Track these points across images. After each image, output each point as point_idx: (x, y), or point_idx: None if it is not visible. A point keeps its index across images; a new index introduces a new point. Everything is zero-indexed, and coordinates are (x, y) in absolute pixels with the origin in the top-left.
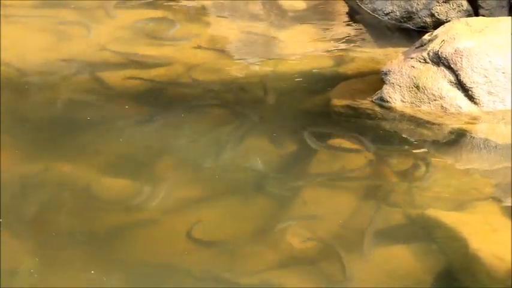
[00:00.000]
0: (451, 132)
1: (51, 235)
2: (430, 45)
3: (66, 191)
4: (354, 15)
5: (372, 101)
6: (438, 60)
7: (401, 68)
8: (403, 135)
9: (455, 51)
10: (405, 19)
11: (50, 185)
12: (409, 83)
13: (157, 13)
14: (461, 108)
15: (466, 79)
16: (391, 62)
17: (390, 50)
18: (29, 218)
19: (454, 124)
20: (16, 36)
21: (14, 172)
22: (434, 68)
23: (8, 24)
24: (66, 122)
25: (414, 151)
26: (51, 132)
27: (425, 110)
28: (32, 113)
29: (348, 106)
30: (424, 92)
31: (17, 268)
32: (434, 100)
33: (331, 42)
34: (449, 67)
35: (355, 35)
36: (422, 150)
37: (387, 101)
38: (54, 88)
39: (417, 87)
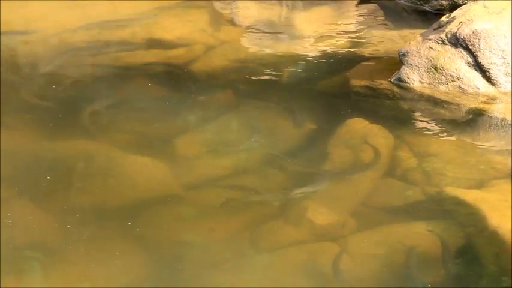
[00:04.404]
0: (468, 112)
1: (75, 210)
2: (448, 26)
3: (89, 168)
4: None
5: (390, 81)
6: (456, 41)
7: (420, 49)
8: (421, 115)
9: (473, 32)
10: (422, 1)
11: (72, 163)
12: (428, 64)
13: None
14: (478, 88)
15: (483, 60)
16: (409, 43)
17: (407, 32)
18: (53, 194)
19: (471, 104)
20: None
21: (37, 149)
22: (452, 49)
23: None
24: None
25: (432, 130)
26: (73, 110)
27: (443, 91)
28: (53, 92)
29: (366, 86)
30: (442, 73)
31: (41, 243)
32: (452, 81)
33: (348, 24)
34: (467, 48)
35: (372, 17)
36: (440, 129)
37: (405, 82)
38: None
39: (435, 68)
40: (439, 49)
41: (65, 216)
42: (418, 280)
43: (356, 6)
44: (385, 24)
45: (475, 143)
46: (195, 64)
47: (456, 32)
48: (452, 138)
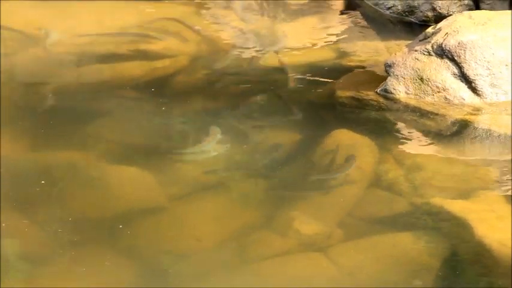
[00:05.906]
0: (454, 123)
1: (61, 221)
2: (434, 38)
3: (74, 178)
4: (355, 9)
5: (376, 92)
6: (442, 52)
7: (406, 60)
8: (407, 126)
9: (458, 43)
10: (407, 13)
11: (58, 173)
12: (413, 75)
13: None
14: (464, 99)
15: (469, 71)
16: (395, 54)
17: (392, 43)
18: (38, 205)
19: (457, 115)
20: None
21: (23, 160)
22: (438, 60)
23: None
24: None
25: (418, 141)
26: (58, 121)
27: (429, 102)
28: (38, 103)
29: (352, 97)
30: (428, 84)
31: (28, 254)
32: (438, 92)
33: (334, 34)
34: (452, 59)
35: (357, 28)
36: (425, 140)
37: (391, 93)
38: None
39: (421, 79)
40: (425, 60)
41: (49, 227)
42: None
43: (340, 17)
44: (371, 35)
45: (461, 153)
46: (180, 75)
47: (442, 43)
48: (438, 149)
